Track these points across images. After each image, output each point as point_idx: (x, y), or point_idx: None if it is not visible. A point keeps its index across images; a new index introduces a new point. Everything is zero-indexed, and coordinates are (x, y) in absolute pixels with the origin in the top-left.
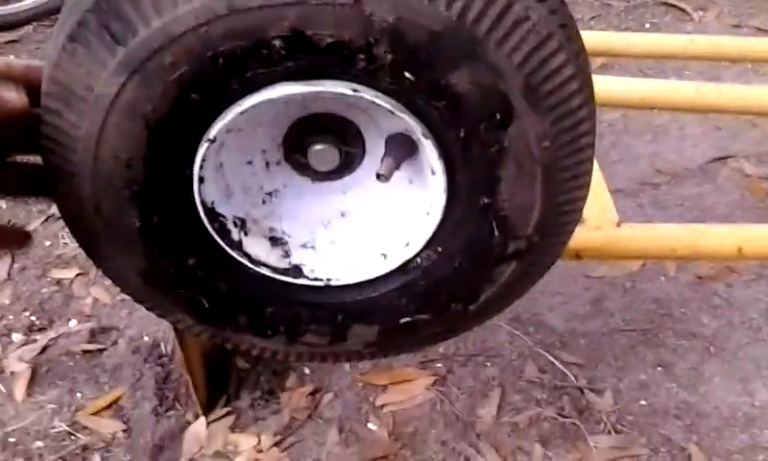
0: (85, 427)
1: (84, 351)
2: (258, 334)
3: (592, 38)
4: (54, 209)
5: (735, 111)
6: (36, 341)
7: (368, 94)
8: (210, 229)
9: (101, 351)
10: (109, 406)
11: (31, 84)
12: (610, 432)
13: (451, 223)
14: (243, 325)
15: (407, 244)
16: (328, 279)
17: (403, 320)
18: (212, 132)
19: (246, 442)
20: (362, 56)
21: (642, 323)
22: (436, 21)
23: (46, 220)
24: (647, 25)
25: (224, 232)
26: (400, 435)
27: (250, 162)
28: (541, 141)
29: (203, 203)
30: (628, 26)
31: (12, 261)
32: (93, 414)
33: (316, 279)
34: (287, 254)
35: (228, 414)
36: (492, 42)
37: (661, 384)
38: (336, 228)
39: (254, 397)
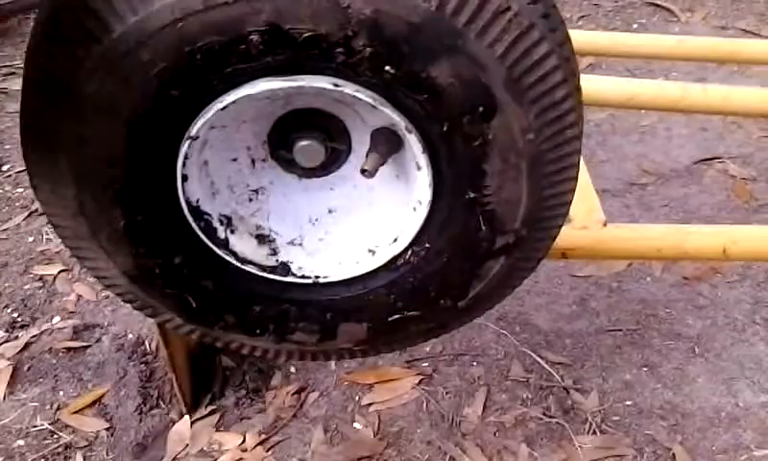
0: (68, 426)
1: (67, 349)
2: (247, 333)
3: (580, 38)
4: (37, 205)
5: (721, 113)
6: (18, 338)
7: (349, 88)
8: (196, 227)
9: (84, 348)
10: (92, 404)
11: None
12: (595, 432)
13: (438, 218)
14: (231, 323)
15: (395, 240)
16: (317, 277)
17: (392, 317)
18: (194, 129)
19: (230, 441)
20: (341, 49)
21: (628, 323)
22: (414, 13)
23: (29, 215)
24: (635, 25)
25: (209, 231)
26: (386, 434)
27: (235, 160)
28: (526, 134)
29: (187, 201)
30: (616, 26)
31: None
32: (76, 412)
33: (304, 277)
34: (274, 252)
35: (212, 413)
36: (473, 34)
37: (647, 384)
38: (324, 224)
39: (239, 395)
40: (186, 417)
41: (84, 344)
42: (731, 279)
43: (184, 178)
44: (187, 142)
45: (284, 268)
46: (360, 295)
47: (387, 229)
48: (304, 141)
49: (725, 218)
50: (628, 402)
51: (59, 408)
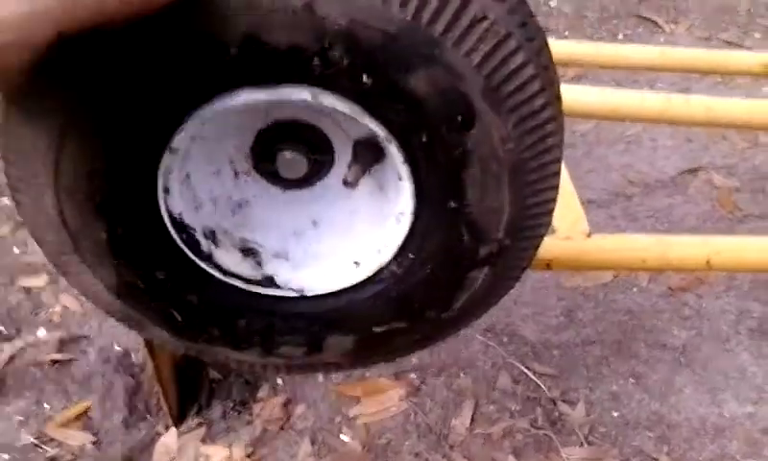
0: (53, 439)
1: (53, 361)
2: (233, 347)
3: (566, 48)
4: None
5: (705, 124)
6: (2, 350)
7: (327, 99)
8: (179, 240)
9: (70, 360)
10: (78, 417)
11: None
12: (582, 444)
13: (421, 228)
14: (217, 337)
15: (379, 251)
16: (302, 289)
17: (378, 328)
18: (173, 141)
19: (217, 453)
20: (317, 60)
21: (614, 334)
22: (390, 22)
23: (15, 226)
24: (620, 36)
25: (193, 244)
26: (373, 446)
27: (217, 173)
28: (506, 143)
29: (169, 214)
30: (601, 37)
31: None
32: (61, 425)
33: (289, 290)
34: (259, 265)
35: (199, 425)
36: (449, 43)
37: (633, 395)
38: (308, 237)
39: (226, 407)
40: (173, 429)
41: (70, 356)
42: (716, 290)
43: (166, 190)
44: (167, 154)
45: (269, 281)
46: (346, 307)
47: (371, 240)
48: (287, 153)
49: (710, 229)
50: (615, 413)
51: (44, 421)
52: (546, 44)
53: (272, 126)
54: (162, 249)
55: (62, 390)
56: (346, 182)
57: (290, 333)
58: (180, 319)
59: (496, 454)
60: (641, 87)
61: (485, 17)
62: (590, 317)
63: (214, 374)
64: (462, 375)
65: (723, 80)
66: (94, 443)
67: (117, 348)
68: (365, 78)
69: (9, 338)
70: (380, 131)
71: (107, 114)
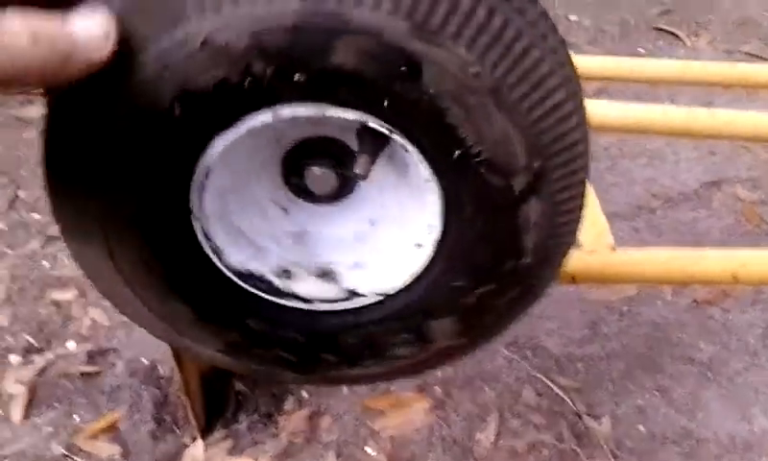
0: (82, 451)
1: (82, 374)
2: (350, 365)
3: (588, 63)
4: (54, 230)
5: (729, 137)
6: (33, 362)
7: (286, 111)
8: (254, 290)
9: (98, 373)
10: (107, 429)
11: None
12: (608, 459)
13: (449, 188)
14: (333, 362)
15: (429, 226)
16: (384, 291)
17: (467, 299)
18: (197, 209)
19: None
20: (248, 83)
21: (639, 347)
22: (286, 17)
23: (45, 241)
24: (641, 50)
25: (269, 287)
26: (398, 459)
27: (265, 214)
28: (468, 69)
29: (232, 270)
30: (622, 50)
31: (11, 282)
32: (90, 437)
33: (373, 295)
34: (338, 282)
35: (225, 437)
36: (351, 7)
37: (659, 409)
38: (370, 237)
39: (253, 420)
40: (200, 441)
41: (99, 369)
42: (742, 303)
43: (217, 252)
44: (197, 222)
45: (353, 294)
46: (427, 291)
47: (419, 218)
48: (315, 171)
49: (735, 242)
50: (641, 427)
51: (73, 433)
52: None
53: (291, 150)
54: (242, 302)
55: (91, 402)
56: (357, 175)
57: (393, 334)
58: (292, 358)
59: None
60: (663, 102)
61: None
62: (615, 330)
63: (240, 386)
64: (486, 388)
65: (745, 92)
66: (122, 454)
67: (144, 360)
68: (297, 76)
69: (39, 350)
70: (352, 115)
71: (127, 206)
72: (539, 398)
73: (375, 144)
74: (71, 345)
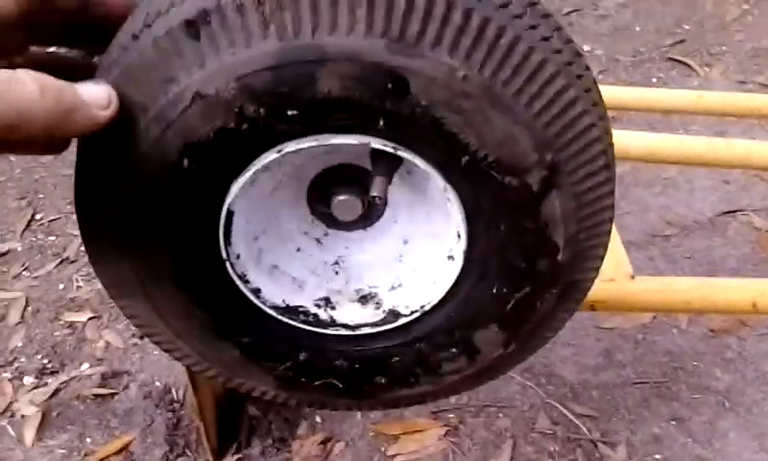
0: None
1: (96, 396)
2: (403, 386)
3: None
4: (69, 252)
5: (745, 167)
6: (47, 384)
7: (290, 147)
8: (297, 323)
9: (112, 395)
10: (120, 452)
11: None
12: None
13: (466, 195)
14: (384, 385)
15: (458, 235)
16: (423, 306)
17: (508, 305)
18: (233, 255)
19: None
20: (245, 127)
21: (655, 375)
22: (268, 57)
23: (60, 263)
24: (654, 80)
25: (312, 319)
26: None
27: (299, 249)
28: (456, 74)
29: (274, 308)
30: (635, 80)
31: (27, 304)
32: (103, 459)
33: (414, 313)
34: (379, 305)
35: None
36: (324, 35)
37: (676, 439)
38: (406, 256)
39: (266, 444)
40: None
41: (112, 391)
42: (759, 333)
43: (256, 292)
44: (231, 268)
45: (395, 315)
46: (465, 302)
47: (448, 230)
48: (341, 199)
49: (750, 271)
50: (658, 456)
51: (86, 455)
52: None
53: (314, 182)
54: (288, 337)
55: (105, 424)
56: (375, 198)
57: (440, 350)
58: (344, 385)
59: None
60: (677, 131)
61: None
62: (630, 358)
63: (254, 411)
64: (500, 415)
65: (759, 122)
66: None
67: (158, 383)
68: (290, 112)
69: (53, 372)
70: (353, 140)
71: (161, 263)
72: (553, 425)
73: (389, 165)
74: (85, 367)
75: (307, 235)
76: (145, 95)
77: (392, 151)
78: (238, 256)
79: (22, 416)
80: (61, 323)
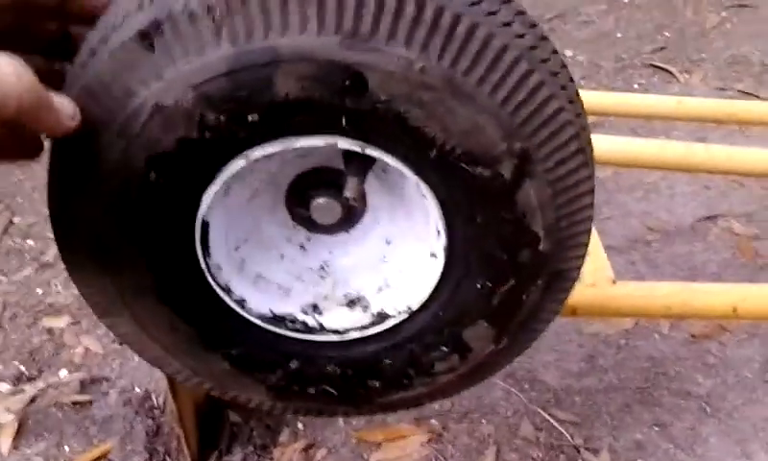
0: None
1: (74, 403)
2: (398, 388)
3: (583, 98)
4: (47, 256)
5: (725, 172)
6: (24, 391)
7: (255, 153)
8: (286, 331)
9: (91, 402)
10: (98, 460)
11: None
12: None
13: (439, 191)
14: (378, 388)
15: (438, 233)
16: (409, 307)
17: (494, 300)
18: (214, 268)
19: None
20: (207, 134)
21: (637, 381)
22: (222, 63)
23: (39, 267)
24: (635, 86)
25: (300, 327)
26: None
27: (282, 256)
28: (413, 67)
29: (261, 317)
30: (617, 86)
31: (3, 309)
32: None
33: (401, 314)
34: (367, 307)
35: None
36: (276, 37)
37: (658, 444)
38: (390, 256)
39: (247, 452)
40: None
41: (91, 398)
42: (739, 338)
43: (241, 303)
44: (212, 274)
45: (382, 317)
46: (452, 298)
47: (428, 229)
48: (320, 202)
49: (731, 276)
50: None
51: None
52: None
53: (292, 188)
54: (277, 346)
55: (83, 432)
56: (349, 200)
57: (430, 350)
58: (337, 391)
59: None
60: (657, 136)
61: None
62: (612, 363)
63: (235, 417)
64: (483, 421)
65: (739, 128)
66: None
67: (138, 390)
68: (251, 117)
69: (30, 379)
70: (318, 141)
71: (141, 278)
72: (537, 431)
73: (360, 165)
74: (63, 373)
75: (290, 242)
76: (107, 110)
77: (359, 150)
78: (219, 267)
79: None
80: (39, 328)
